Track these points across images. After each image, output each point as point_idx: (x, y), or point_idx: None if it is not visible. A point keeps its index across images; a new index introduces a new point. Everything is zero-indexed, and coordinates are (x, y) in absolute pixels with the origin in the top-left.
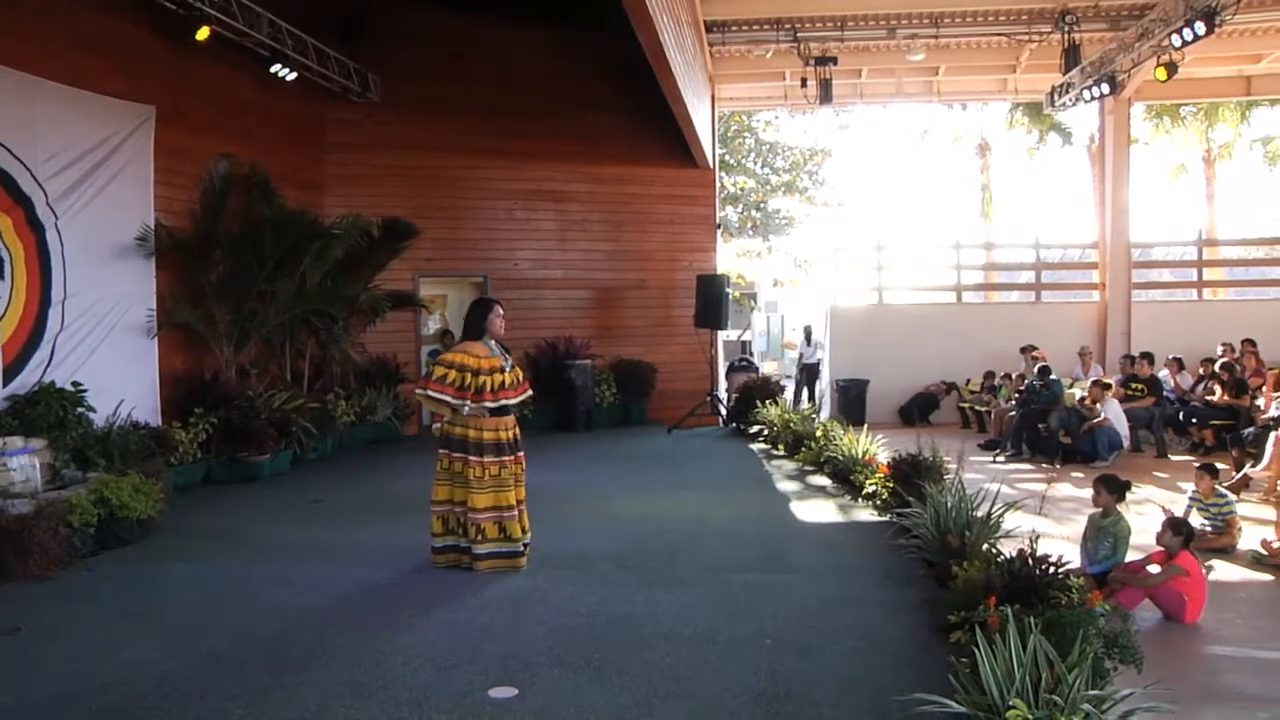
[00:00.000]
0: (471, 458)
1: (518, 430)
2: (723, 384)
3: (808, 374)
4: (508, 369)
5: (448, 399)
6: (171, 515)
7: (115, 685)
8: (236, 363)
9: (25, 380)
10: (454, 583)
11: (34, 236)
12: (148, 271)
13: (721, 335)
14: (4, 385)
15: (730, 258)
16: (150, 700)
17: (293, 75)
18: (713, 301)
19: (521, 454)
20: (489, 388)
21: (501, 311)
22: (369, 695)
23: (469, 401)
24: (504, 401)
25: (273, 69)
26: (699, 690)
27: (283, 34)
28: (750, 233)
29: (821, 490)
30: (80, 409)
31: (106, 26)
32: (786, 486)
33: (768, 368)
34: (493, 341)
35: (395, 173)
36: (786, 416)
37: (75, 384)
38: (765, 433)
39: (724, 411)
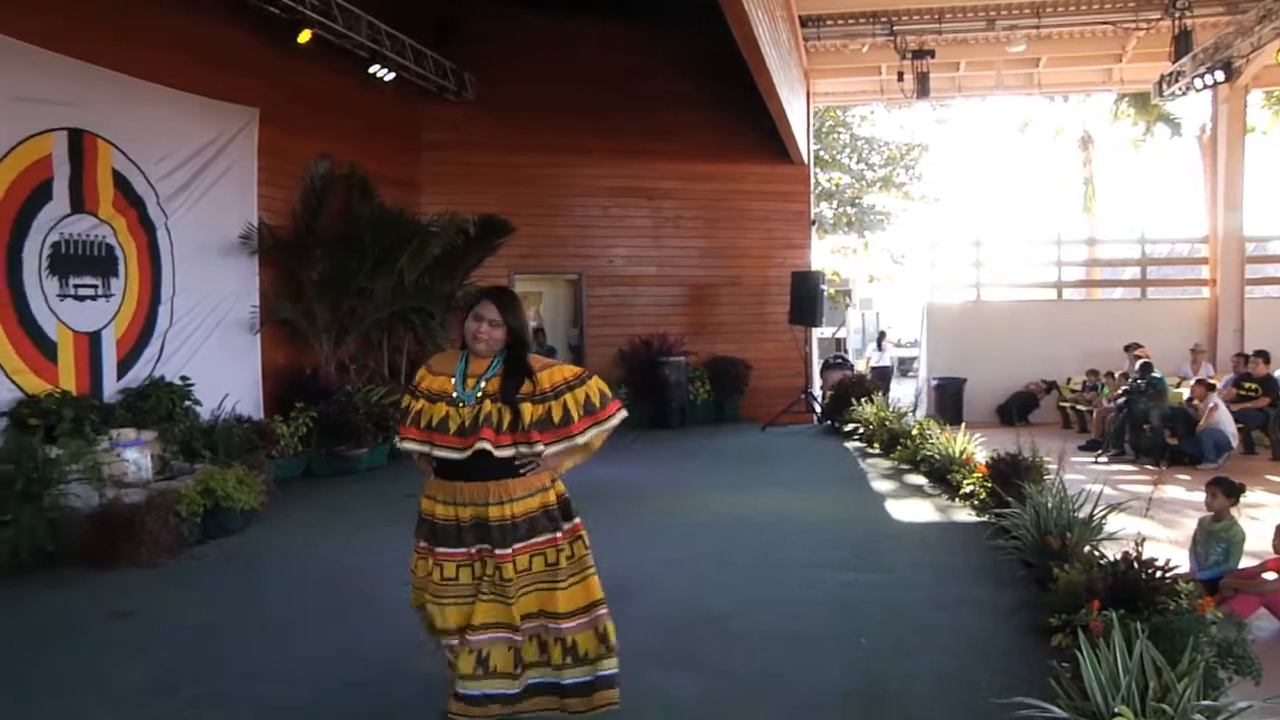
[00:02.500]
0: (419, 542)
1: (510, 510)
2: (817, 382)
3: (879, 376)
4: (466, 401)
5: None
6: (273, 507)
7: (215, 671)
8: (336, 358)
9: (137, 374)
10: None
11: (146, 236)
12: (251, 269)
13: (816, 332)
14: (118, 379)
15: (825, 254)
16: (248, 687)
17: (390, 75)
18: (807, 298)
19: (509, 551)
20: (421, 420)
21: (488, 315)
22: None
23: (400, 436)
24: (443, 451)
25: (371, 70)
26: (792, 687)
27: (381, 35)
28: (845, 229)
29: (917, 489)
30: (188, 402)
31: (212, 31)
32: (881, 485)
33: (862, 365)
34: (477, 354)
35: (490, 171)
36: (882, 414)
37: (183, 378)
38: (860, 431)
39: (818, 409)
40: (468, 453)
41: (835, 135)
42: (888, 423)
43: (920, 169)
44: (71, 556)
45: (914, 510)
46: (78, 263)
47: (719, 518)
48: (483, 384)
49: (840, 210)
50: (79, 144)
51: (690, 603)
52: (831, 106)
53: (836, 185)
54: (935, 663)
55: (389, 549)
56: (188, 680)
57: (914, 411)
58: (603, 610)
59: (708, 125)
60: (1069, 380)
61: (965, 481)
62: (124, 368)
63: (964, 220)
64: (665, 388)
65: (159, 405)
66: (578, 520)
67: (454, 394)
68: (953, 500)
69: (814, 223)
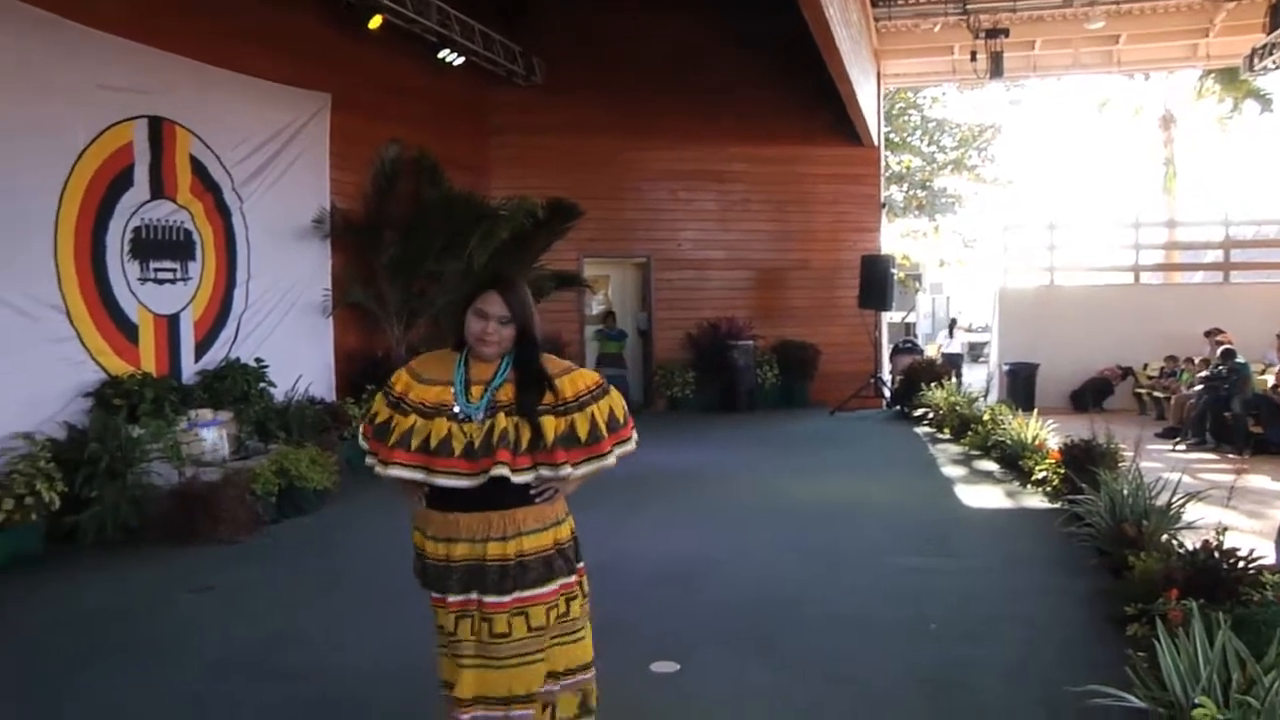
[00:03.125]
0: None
1: (517, 547)
2: (886, 366)
3: (950, 362)
4: (473, 415)
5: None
6: (345, 487)
7: (292, 645)
8: (406, 341)
9: (214, 356)
10: (615, 562)
11: (222, 220)
12: (324, 253)
13: (885, 317)
14: (195, 361)
15: (895, 238)
16: (322, 659)
17: (460, 60)
18: (877, 282)
19: (506, 600)
20: (413, 440)
21: (494, 312)
22: None
23: (380, 460)
24: (446, 478)
25: (440, 54)
26: (862, 673)
27: (450, 20)
28: (916, 212)
29: (988, 475)
30: (262, 384)
31: (284, 18)
32: (952, 470)
33: (931, 351)
34: (483, 358)
35: (558, 154)
36: (952, 399)
37: (258, 360)
38: (930, 416)
39: (888, 394)
40: (479, 479)
41: (906, 117)
42: (958, 408)
43: (993, 151)
44: (154, 532)
45: (984, 496)
46: (157, 247)
47: (788, 502)
48: (491, 393)
49: (911, 193)
50: (158, 131)
51: (759, 587)
52: (902, 88)
53: (907, 168)
54: (1007, 650)
55: None
56: (267, 653)
57: (985, 397)
58: (591, 672)
59: (777, 108)
60: (1145, 366)
61: (1037, 468)
62: (201, 350)
63: (1038, 203)
64: (733, 371)
65: (234, 386)
66: (582, 562)
67: (456, 407)
68: (1024, 486)
69: (884, 206)
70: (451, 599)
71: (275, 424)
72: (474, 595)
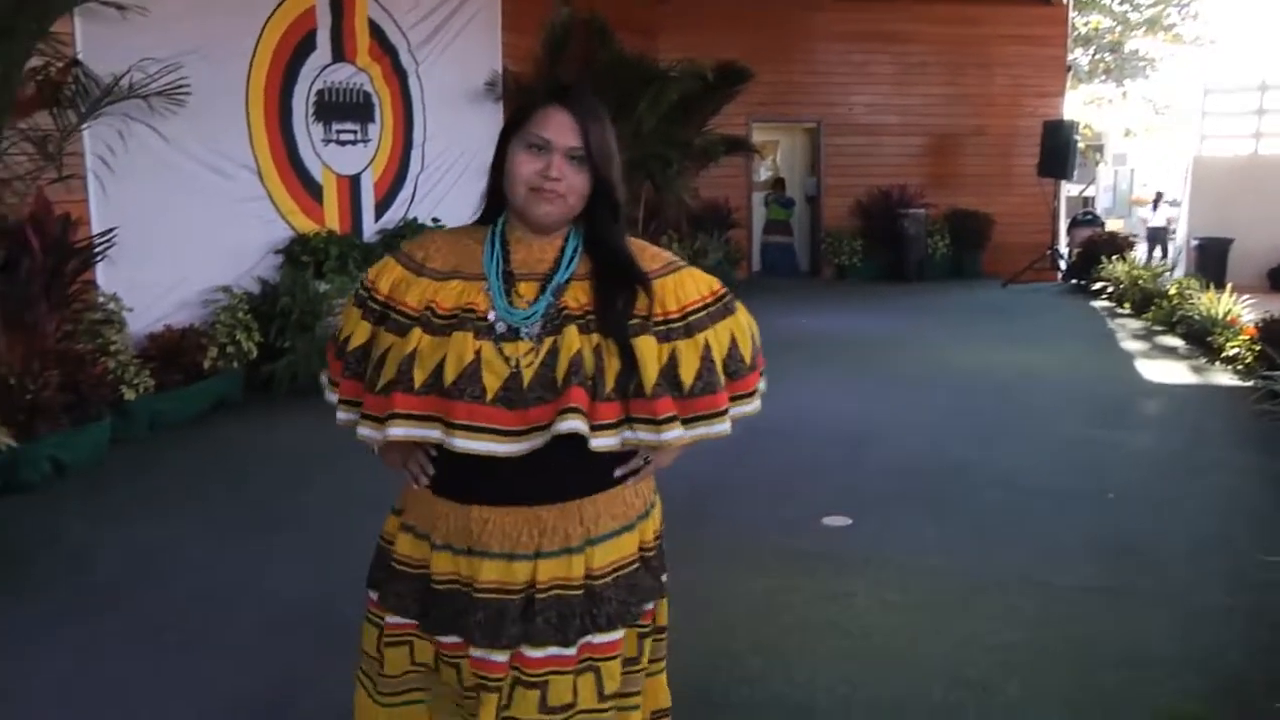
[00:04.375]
0: (372, 594)
1: (587, 564)
2: (1063, 239)
3: (1155, 237)
4: (526, 328)
5: (325, 390)
6: None
7: None
8: None
9: (392, 216)
10: (791, 422)
11: (398, 83)
12: (495, 115)
13: (1064, 190)
14: (375, 220)
15: (1077, 106)
16: None
17: None
18: (1059, 149)
19: (570, 654)
20: (416, 373)
21: (562, 142)
22: (707, 522)
23: (363, 414)
24: (471, 439)
25: None
26: (1034, 534)
27: None
28: (1102, 77)
29: (1171, 351)
30: None
31: None
32: (1131, 345)
33: (1111, 226)
34: (536, 227)
35: (728, 17)
36: (1135, 273)
37: (434, 220)
38: (1109, 290)
39: (1063, 266)
40: (529, 441)
41: None
42: (1141, 282)
43: (1195, 7)
44: None
45: (1167, 371)
46: (339, 109)
47: (958, 371)
48: (553, 293)
49: (1098, 57)
50: None
51: (930, 452)
52: None
53: (1095, 30)
54: (1190, 522)
55: None
56: None
57: (1170, 272)
58: None
59: None
60: None
61: (1229, 344)
62: (380, 209)
63: (1243, 64)
64: (903, 240)
65: None
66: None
67: (492, 315)
68: (1212, 363)
69: (1069, 70)
70: (475, 653)
71: None
72: (504, 647)
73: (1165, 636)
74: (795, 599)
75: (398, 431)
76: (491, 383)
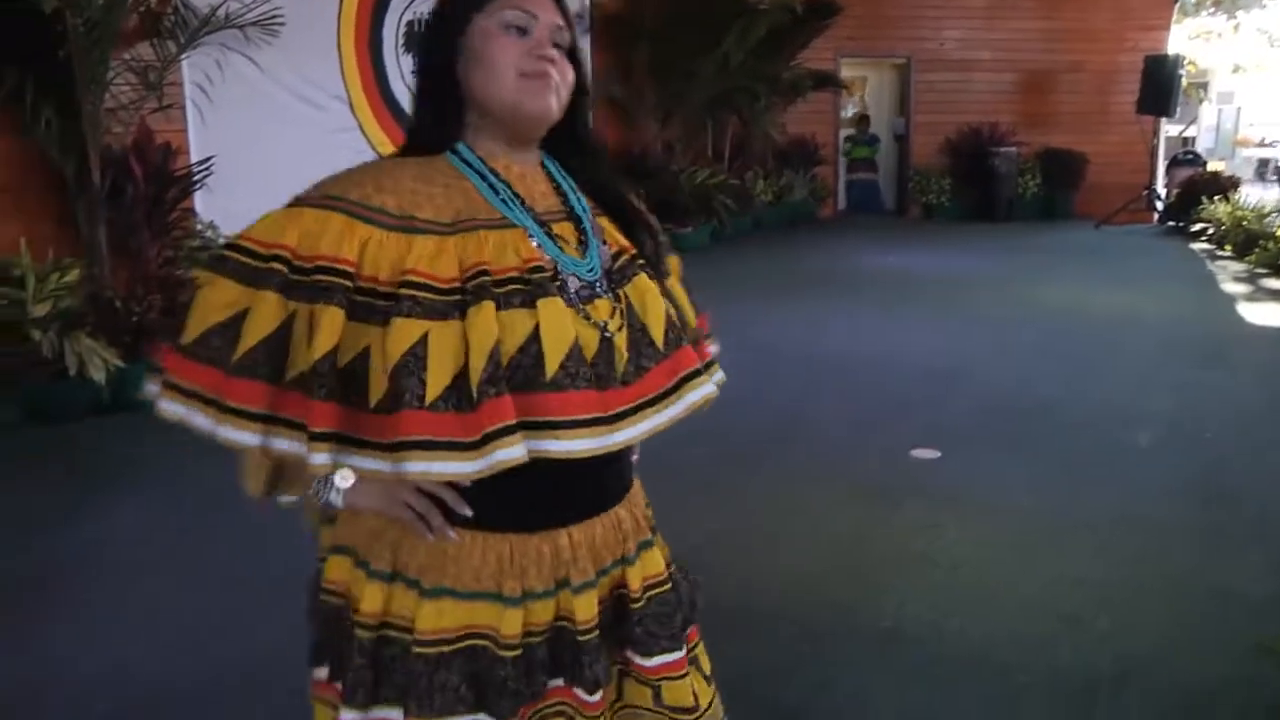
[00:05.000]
0: (329, 680)
1: (642, 569)
2: (1160, 180)
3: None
4: (596, 281)
5: (192, 417)
6: None
7: None
8: (662, 138)
9: None
10: (883, 356)
11: None
12: (585, 48)
13: (1163, 130)
14: None
15: (1181, 41)
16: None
17: None
18: (1161, 85)
19: (656, 664)
20: (477, 363)
21: (543, 15)
22: (795, 449)
23: (324, 441)
24: (568, 443)
25: None
26: (1127, 473)
27: None
28: (1211, 9)
29: (1276, 294)
30: None
31: None
32: (1232, 288)
33: (1214, 167)
34: (524, 131)
35: None
36: (1239, 214)
37: None
38: (1210, 232)
39: (1160, 208)
40: (635, 427)
41: None
42: (1245, 223)
43: None
44: None
45: (1271, 315)
46: None
47: (1049, 311)
48: (596, 227)
49: None
50: None
51: (1020, 389)
52: None
53: None
54: None
55: (721, 320)
56: None
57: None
58: None
59: None
60: None
61: None
62: None
63: None
64: (993, 179)
65: None
66: None
67: (561, 268)
68: None
69: (1175, 1)
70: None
71: None
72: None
73: (1258, 576)
74: (883, 529)
75: (512, 453)
76: (588, 356)
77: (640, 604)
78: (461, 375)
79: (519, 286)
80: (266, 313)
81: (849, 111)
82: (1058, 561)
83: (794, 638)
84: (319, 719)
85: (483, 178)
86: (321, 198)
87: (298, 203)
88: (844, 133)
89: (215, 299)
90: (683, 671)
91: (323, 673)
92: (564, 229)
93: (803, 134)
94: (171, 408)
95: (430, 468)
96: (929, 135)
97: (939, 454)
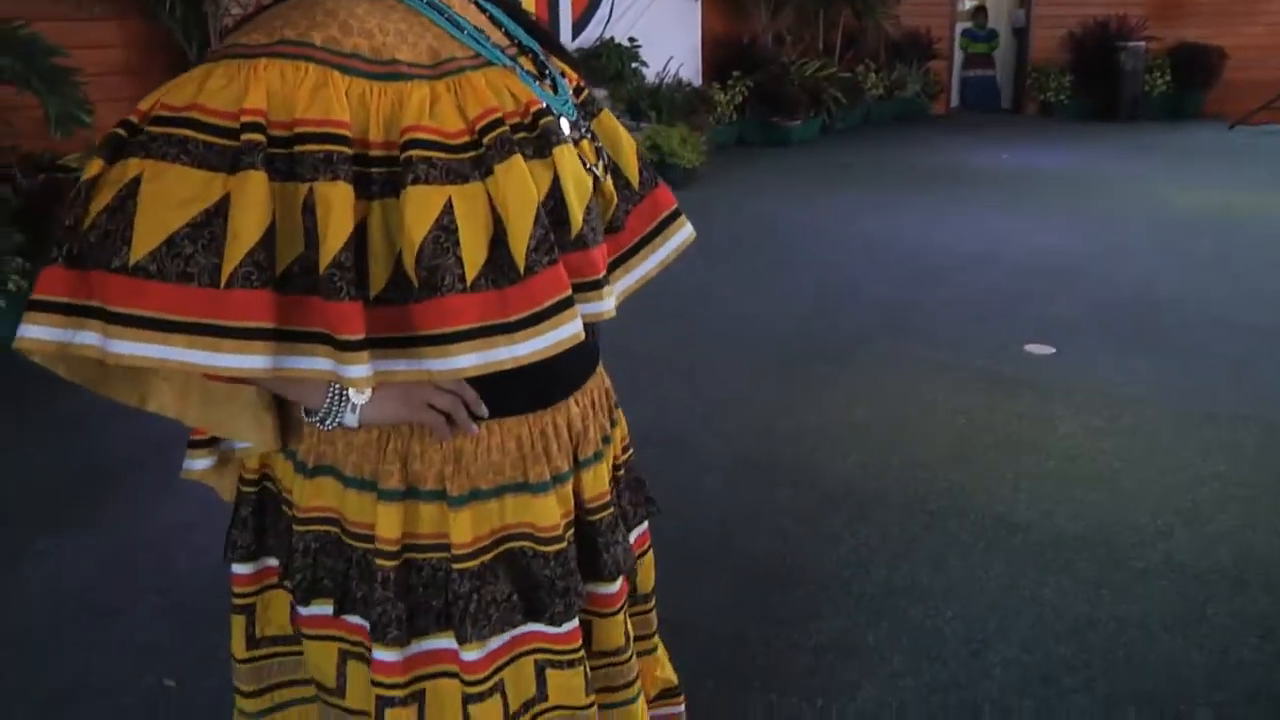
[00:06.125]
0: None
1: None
2: None
3: None
4: (562, 102)
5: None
6: (711, 167)
7: (696, 307)
8: (773, 28)
9: (589, 35)
10: (992, 251)
11: None
12: None
13: None
14: (573, 39)
15: None
16: (719, 326)
17: None
18: None
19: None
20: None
21: None
22: (909, 337)
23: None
24: (599, 303)
25: None
26: (1252, 372)
27: None
28: None
29: None
30: (635, 64)
31: None
32: None
33: None
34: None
35: None
36: None
37: (631, 40)
38: None
39: None
40: (630, 275)
41: None
42: None
43: None
44: None
45: None
46: None
47: (1171, 211)
48: (543, 56)
49: None
50: None
51: (1139, 286)
52: None
53: None
54: None
55: (822, 210)
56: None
57: None
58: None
59: None
60: None
61: None
62: (578, 28)
63: None
64: (1118, 76)
65: (609, 65)
66: None
67: (550, 106)
68: None
69: None
70: (605, 590)
71: (646, 103)
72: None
73: None
74: (996, 419)
75: (573, 329)
76: (596, 210)
77: (621, 471)
78: (496, 244)
79: (525, 134)
80: (256, 200)
81: (966, 4)
82: (1177, 456)
83: (906, 519)
84: (316, 656)
85: (438, 11)
86: (280, 45)
87: (246, 54)
88: (960, 26)
89: (170, 193)
90: (646, 547)
91: (319, 609)
92: (527, 63)
93: (917, 27)
94: (127, 348)
95: (486, 358)
96: (1050, 29)
97: (1054, 350)
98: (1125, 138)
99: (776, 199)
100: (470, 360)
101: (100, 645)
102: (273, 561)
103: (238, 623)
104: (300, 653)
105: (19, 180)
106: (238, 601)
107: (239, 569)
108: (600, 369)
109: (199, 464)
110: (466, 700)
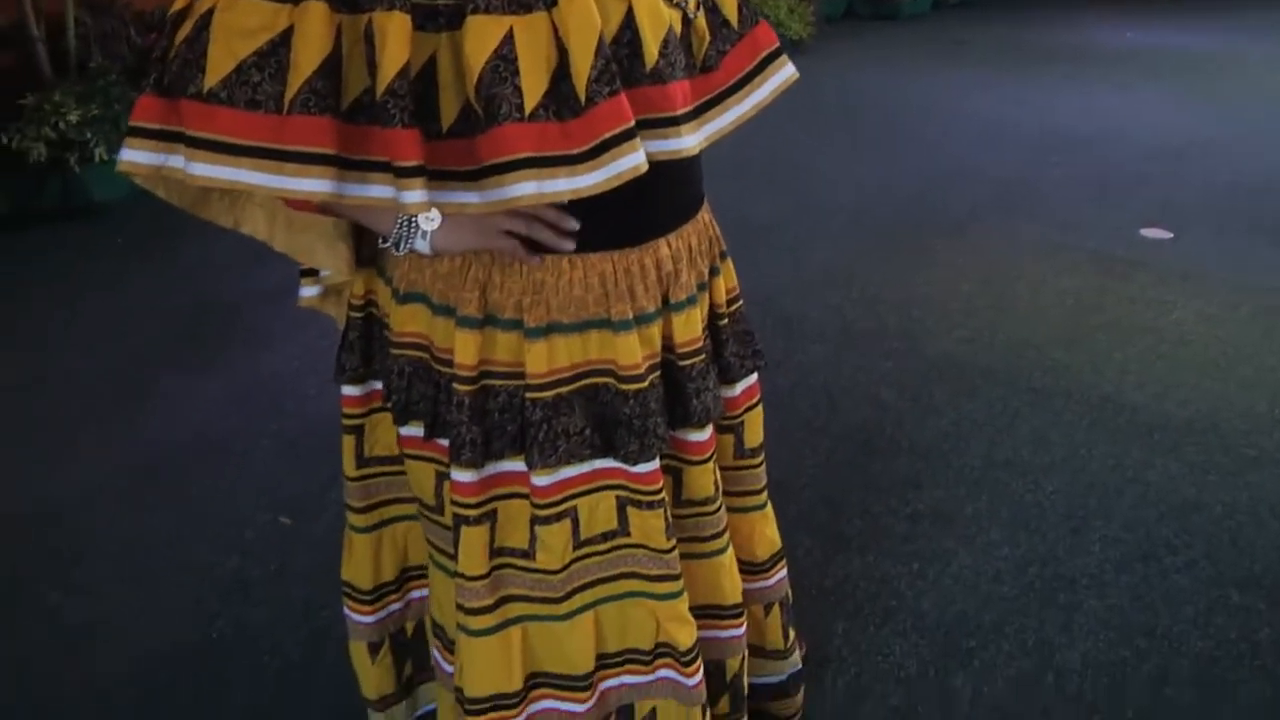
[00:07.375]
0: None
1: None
2: None
3: None
4: None
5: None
6: (819, 39)
7: (795, 180)
8: None
9: None
10: (1104, 133)
11: None
12: None
13: None
14: None
15: None
16: (827, 197)
17: None
18: None
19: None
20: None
21: None
22: (1019, 217)
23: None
24: (683, 139)
25: None
26: None
27: None
28: None
29: None
30: None
31: None
32: None
33: None
34: None
35: None
36: None
37: None
38: None
39: None
40: (726, 115)
41: None
42: None
43: None
44: None
45: None
46: None
47: None
48: None
49: None
50: None
51: (1265, 173)
52: None
53: None
54: None
55: (938, 92)
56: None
57: None
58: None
59: None
60: None
61: None
62: None
63: None
64: None
65: None
66: None
67: None
68: None
69: None
70: (694, 437)
71: None
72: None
73: None
74: (1108, 301)
75: (634, 159)
76: (678, 45)
77: (725, 322)
78: (559, 76)
79: None
80: (318, 30)
81: None
82: None
83: (1010, 396)
84: (417, 475)
85: None
86: None
87: None
88: None
89: (239, 23)
90: (755, 400)
91: (414, 430)
92: None
93: None
94: (203, 170)
95: (544, 187)
96: None
97: (1171, 234)
98: (1265, 15)
99: (886, 74)
100: (525, 189)
101: (220, 482)
102: (379, 385)
103: (348, 442)
104: (404, 472)
105: (133, 38)
106: (347, 422)
107: (348, 391)
108: (706, 216)
109: (309, 291)
110: (534, 521)
